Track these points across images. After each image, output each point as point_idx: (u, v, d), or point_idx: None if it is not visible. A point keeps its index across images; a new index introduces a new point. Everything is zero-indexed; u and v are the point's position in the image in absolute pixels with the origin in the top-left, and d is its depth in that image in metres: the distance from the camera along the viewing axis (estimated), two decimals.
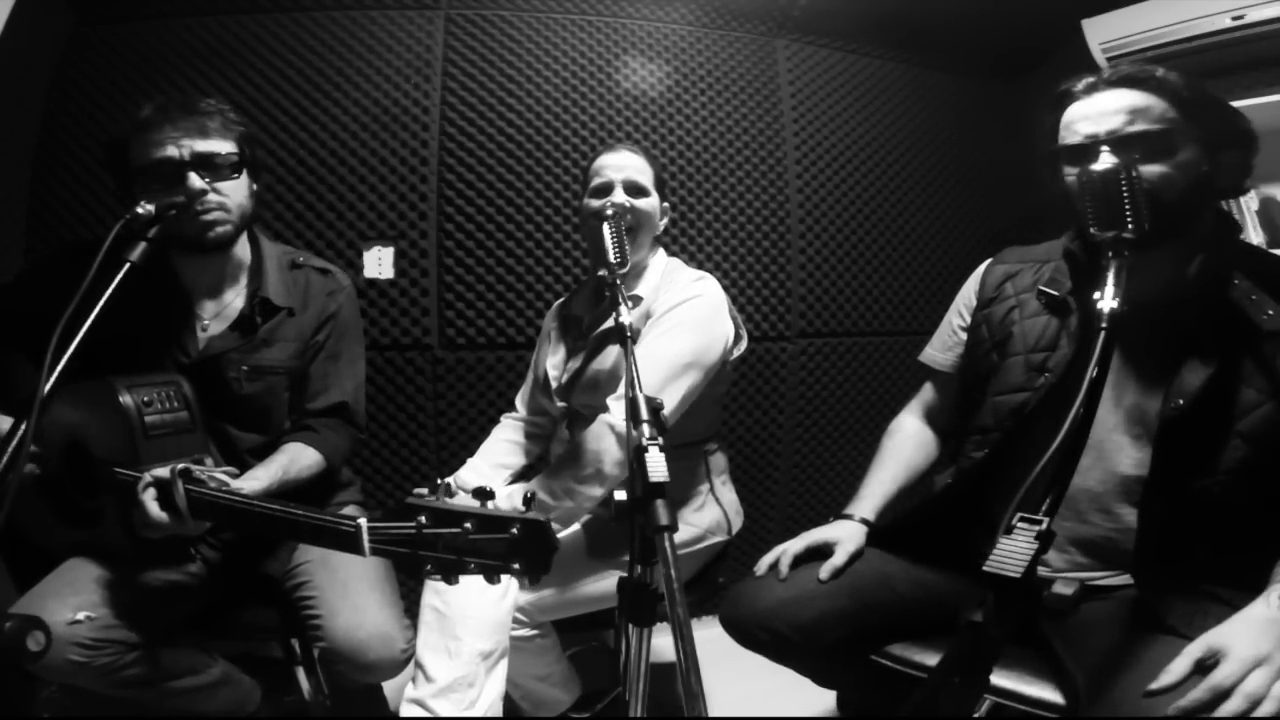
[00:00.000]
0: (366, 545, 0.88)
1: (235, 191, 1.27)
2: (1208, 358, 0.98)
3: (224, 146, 1.25)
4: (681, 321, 1.40)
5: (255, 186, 1.34)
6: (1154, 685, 0.84)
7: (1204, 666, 0.83)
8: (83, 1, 1.94)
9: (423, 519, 0.85)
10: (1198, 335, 1.00)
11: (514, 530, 0.83)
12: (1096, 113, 1.03)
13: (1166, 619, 0.94)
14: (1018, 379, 1.14)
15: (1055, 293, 1.14)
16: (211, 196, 1.22)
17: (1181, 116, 1.00)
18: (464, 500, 1.28)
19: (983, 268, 1.30)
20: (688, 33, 2.26)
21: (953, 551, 1.14)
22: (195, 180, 1.20)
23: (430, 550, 0.84)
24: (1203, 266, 1.01)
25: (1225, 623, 0.87)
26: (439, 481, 0.91)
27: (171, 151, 1.20)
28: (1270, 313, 0.98)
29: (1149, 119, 1.00)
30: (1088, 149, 1.02)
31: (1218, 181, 1.02)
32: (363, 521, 0.89)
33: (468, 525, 0.83)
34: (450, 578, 0.84)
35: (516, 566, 0.83)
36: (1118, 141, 1.00)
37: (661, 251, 1.57)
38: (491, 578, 0.84)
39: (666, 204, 1.57)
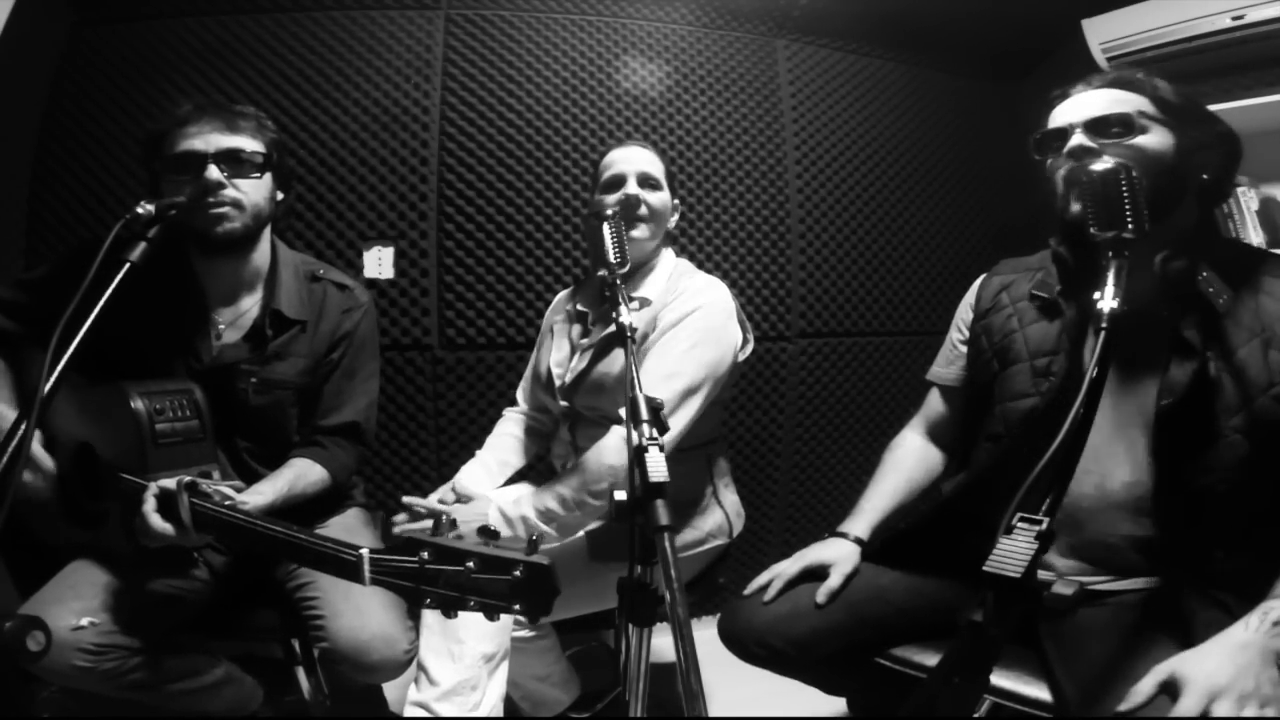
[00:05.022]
0: (367, 575, 0.88)
1: (254, 191, 1.27)
2: (1191, 353, 0.99)
3: (250, 145, 1.26)
4: (692, 334, 1.38)
5: (281, 195, 1.35)
6: (1122, 706, 0.84)
7: (1168, 689, 0.83)
8: (83, 1, 1.94)
9: (425, 555, 0.84)
10: (1181, 332, 1.01)
11: (517, 573, 0.82)
12: (1079, 105, 1.09)
13: (1175, 629, 0.93)
14: (1024, 385, 1.14)
15: (1045, 295, 1.16)
16: (227, 191, 1.23)
17: (1159, 112, 1.05)
18: (465, 515, 1.28)
19: (978, 282, 1.32)
20: (688, 33, 2.26)
21: (952, 558, 1.13)
22: (214, 172, 1.21)
23: (431, 586, 0.84)
24: (1167, 260, 1.02)
25: (1200, 645, 0.86)
26: (444, 519, 0.91)
27: (198, 144, 1.22)
28: (1223, 299, 1.00)
29: (1126, 107, 1.05)
30: (1062, 132, 1.08)
31: (1190, 179, 1.04)
32: (365, 551, 0.88)
33: (470, 564, 0.83)
34: (449, 613, 0.84)
35: (517, 607, 0.82)
36: (1090, 124, 1.05)
37: (670, 251, 1.55)
38: (491, 616, 0.83)
39: (677, 200, 1.55)
